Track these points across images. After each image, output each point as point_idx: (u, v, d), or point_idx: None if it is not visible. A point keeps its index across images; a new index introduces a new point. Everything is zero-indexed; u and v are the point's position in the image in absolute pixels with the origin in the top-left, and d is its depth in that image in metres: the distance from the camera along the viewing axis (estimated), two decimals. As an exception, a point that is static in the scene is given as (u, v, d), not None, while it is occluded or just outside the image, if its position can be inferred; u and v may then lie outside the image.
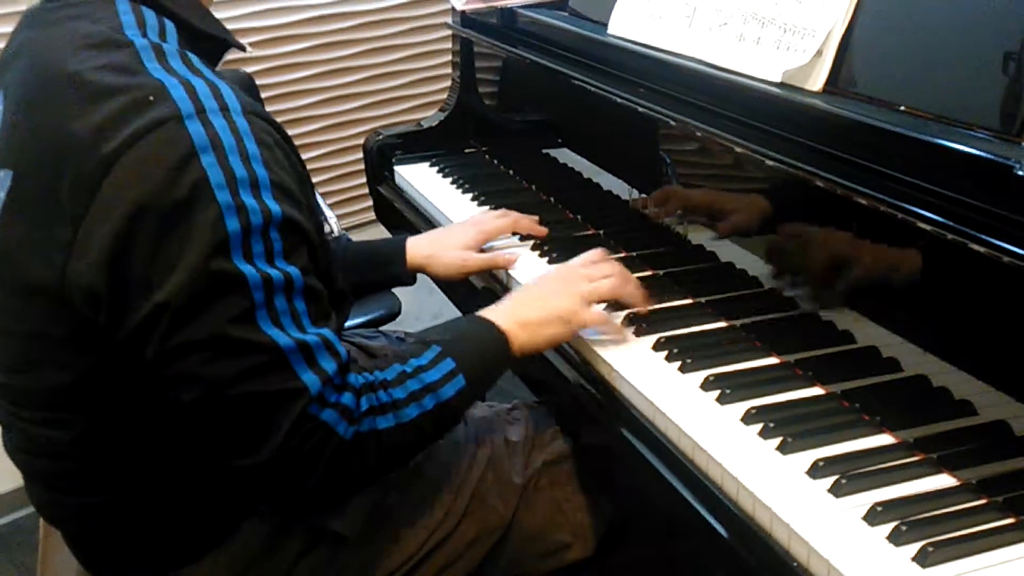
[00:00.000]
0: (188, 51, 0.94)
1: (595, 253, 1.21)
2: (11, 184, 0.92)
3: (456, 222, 1.51)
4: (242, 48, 1.07)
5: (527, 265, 1.38)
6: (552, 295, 1.12)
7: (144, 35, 0.92)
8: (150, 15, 0.95)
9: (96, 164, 0.84)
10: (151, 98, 0.85)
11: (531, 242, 1.44)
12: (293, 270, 0.88)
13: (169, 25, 0.95)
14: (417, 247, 1.38)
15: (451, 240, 1.39)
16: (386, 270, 1.38)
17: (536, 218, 1.45)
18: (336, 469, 0.91)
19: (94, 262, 0.84)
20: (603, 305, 1.19)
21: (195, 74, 0.89)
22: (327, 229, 1.80)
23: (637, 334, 1.17)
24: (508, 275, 1.38)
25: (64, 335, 0.91)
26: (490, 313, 1.08)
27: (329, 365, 0.90)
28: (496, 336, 1.06)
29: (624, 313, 1.20)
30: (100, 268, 0.84)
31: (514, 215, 1.43)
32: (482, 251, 1.40)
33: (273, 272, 0.87)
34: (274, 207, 0.87)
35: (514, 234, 1.44)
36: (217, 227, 0.83)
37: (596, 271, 1.17)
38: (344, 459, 0.91)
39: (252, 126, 0.88)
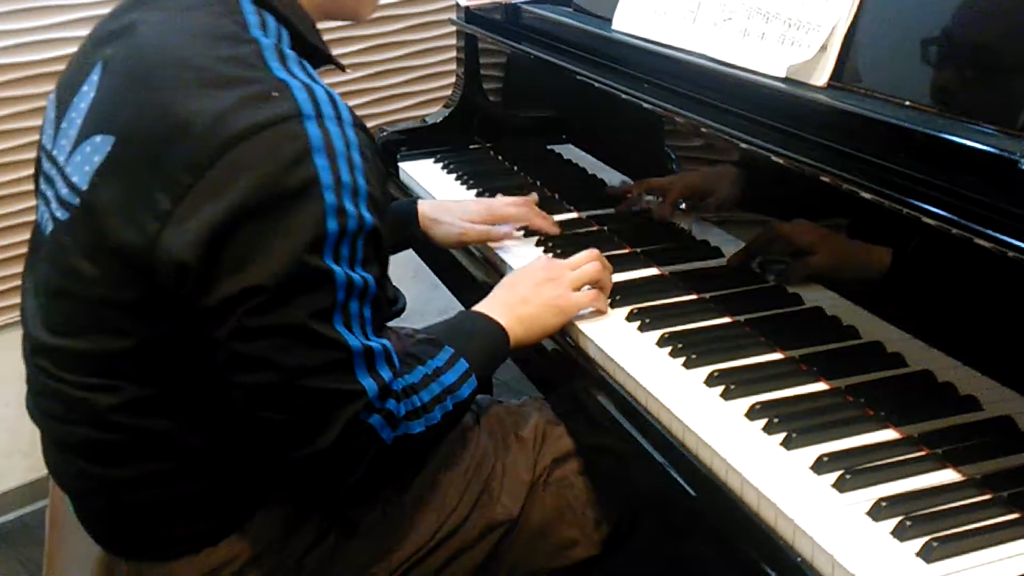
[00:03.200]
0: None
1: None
2: (111, 149, 0.94)
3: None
4: (342, 68, 1.14)
5: (528, 258, 1.38)
6: (540, 287, 1.17)
7: (266, 36, 0.96)
8: (271, 20, 0.99)
9: (213, 145, 0.87)
10: (275, 94, 0.89)
11: (535, 238, 1.44)
12: (370, 278, 0.93)
13: (285, 33, 1.00)
14: (425, 210, 1.44)
15: (459, 210, 1.44)
16: (405, 230, 1.43)
17: (554, 220, 1.46)
18: (375, 470, 0.96)
19: (193, 235, 0.87)
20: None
21: (314, 80, 0.94)
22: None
23: (641, 330, 1.17)
24: (509, 266, 1.38)
25: (133, 300, 0.93)
26: (491, 310, 1.13)
27: (386, 373, 0.94)
28: (500, 334, 1.11)
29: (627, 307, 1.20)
30: (198, 242, 0.87)
31: (530, 210, 1.45)
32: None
33: (355, 276, 0.91)
34: (368, 217, 0.91)
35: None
36: (319, 224, 0.87)
37: (574, 259, 1.22)
38: (383, 461, 0.96)
39: (359, 139, 0.92)
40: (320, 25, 1.09)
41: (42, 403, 1.06)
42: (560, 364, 1.21)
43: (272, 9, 1.00)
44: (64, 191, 0.99)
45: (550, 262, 1.22)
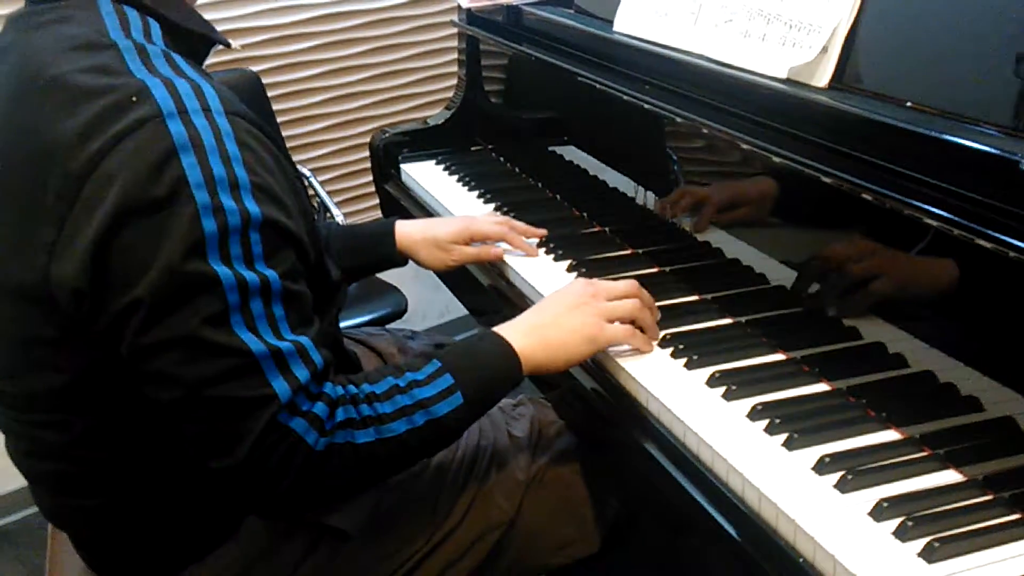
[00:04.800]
0: (172, 50, 0.93)
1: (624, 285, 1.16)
2: None
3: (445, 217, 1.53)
4: (226, 44, 1.06)
5: (533, 263, 1.38)
6: (572, 312, 1.08)
7: (128, 35, 0.92)
8: (133, 15, 0.94)
9: (80, 165, 0.84)
10: (134, 99, 0.85)
11: (543, 248, 1.42)
12: (271, 274, 0.88)
13: (153, 24, 0.95)
14: (407, 231, 1.39)
15: (440, 230, 1.39)
16: (377, 251, 1.39)
17: (539, 232, 1.43)
18: (308, 477, 0.90)
19: (78, 261, 0.84)
20: None
21: (178, 74, 0.89)
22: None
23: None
24: (516, 272, 1.38)
25: (55, 336, 0.91)
26: (507, 330, 1.05)
27: (302, 373, 0.89)
28: (507, 354, 1.03)
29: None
30: (83, 266, 0.84)
31: (508, 224, 1.41)
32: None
33: (249, 275, 0.86)
34: (254, 209, 0.86)
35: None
36: (193, 227, 0.83)
37: (618, 289, 1.13)
38: (315, 468, 0.90)
39: (234, 127, 0.88)
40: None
41: (9, 441, 1.06)
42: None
43: (134, 2, 0.95)
44: None
45: (587, 286, 1.12)
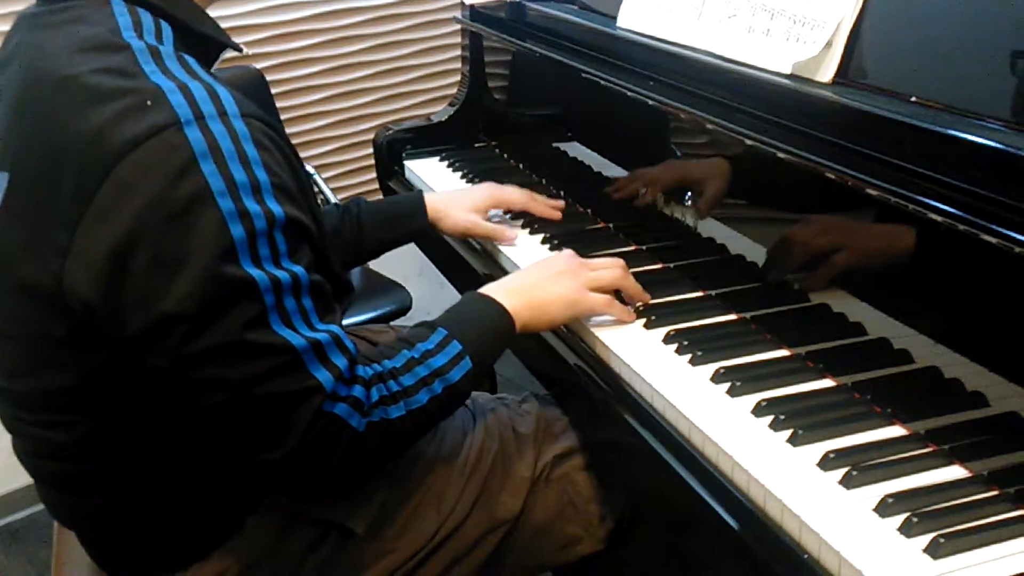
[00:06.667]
0: (184, 53, 0.93)
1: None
2: (7, 187, 0.92)
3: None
4: (238, 49, 1.06)
5: (530, 254, 1.39)
6: (556, 278, 1.15)
7: (140, 37, 0.91)
8: (146, 16, 0.94)
9: (93, 168, 0.83)
10: (148, 102, 0.84)
11: (540, 235, 1.45)
12: (299, 269, 0.89)
13: (165, 26, 0.95)
14: (433, 202, 1.44)
15: (465, 200, 1.44)
16: (411, 223, 1.43)
17: (559, 204, 1.49)
18: (351, 458, 0.93)
19: (92, 267, 0.84)
20: None
21: (192, 77, 0.88)
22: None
23: (647, 327, 1.17)
24: (508, 259, 1.40)
25: (64, 337, 0.91)
26: (495, 292, 1.10)
27: (340, 361, 0.91)
28: (501, 315, 1.08)
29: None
30: (98, 273, 0.84)
31: (530, 194, 1.47)
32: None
33: (281, 274, 0.87)
34: (277, 209, 0.87)
35: (507, 212, 1.51)
36: (222, 234, 0.83)
37: (597, 261, 1.21)
38: (358, 448, 0.93)
39: (250, 129, 0.87)
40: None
41: (19, 443, 1.06)
42: (564, 360, 1.21)
43: (147, 4, 0.94)
44: None
45: (571, 257, 1.19)
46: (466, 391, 1.03)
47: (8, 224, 0.92)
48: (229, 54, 1.06)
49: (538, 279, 1.14)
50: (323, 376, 0.90)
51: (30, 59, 0.93)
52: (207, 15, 1.01)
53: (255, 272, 0.85)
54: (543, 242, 1.43)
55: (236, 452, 0.94)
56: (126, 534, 1.05)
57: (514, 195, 1.47)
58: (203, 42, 0.99)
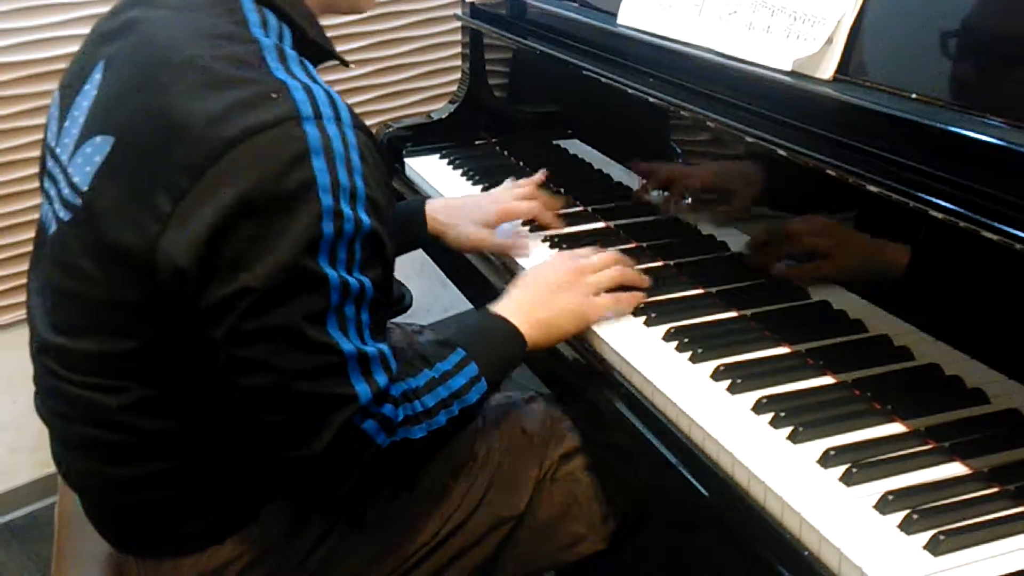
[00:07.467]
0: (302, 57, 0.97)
1: (587, 249, 1.24)
2: (110, 150, 0.94)
3: (475, 194, 1.54)
4: (345, 64, 1.12)
5: (540, 256, 1.38)
6: (559, 291, 1.14)
7: (267, 35, 0.96)
8: (272, 18, 0.98)
9: (210, 147, 0.86)
10: (274, 95, 0.88)
11: (543, 233, 1.43)
12: (367, 281, 0.92)
13: (286, 30, 0.99)
14: (436, 212, 1.40)
15: (471, 214, 1.40)
16: (408, 231, 1.39)
17: (559, 204, 1.45)
18: (370, 475, 0.95)
19: (191, 237, 0.87)
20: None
21: (313, 81, 0.93)
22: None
23: (647, 324, 1.17)
24: (518, 265, 1.38)
25: (137, 302, 0.93)
26: (506, 311, 1.10)
27: (381, 378, 0.93)
28: (515, 337, 1.09)
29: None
30: (196, 244, 0.86)
31: (538, 201, 1.42)
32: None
33: (351, 280, 0.90)
34: (365, 220, 0.90)
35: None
36: (314, 226, 0.86)
37: (598, 260, 1.20)
38: (379, 466, 0.95)
39: (358, 140, 0.91)
40: (324, 21, 1.08)
41: (49, 402, 1.06)
42: (567, 359, 1.21)
43: (273, 6, 0.99)
44: (67, 191, 0.99)
45: (568, 262, 1.19)
46: (478, 411, 1.05)
47: (106, 187, 0.94)
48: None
49: (541, 296, 1.14)
50: (362, 388, 0.91)
51: (145, 36, 0.97)
52: (319, 24, 1.05)
53: (329, 270, 0.88)
54: (544, 240, 1.42)
55: (263, 444, 0.95)
56: (142, 509, 1.06)
57: (522, 207, 1.42)
58: (313, 49, 1.03)
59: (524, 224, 1.44)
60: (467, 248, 1.40)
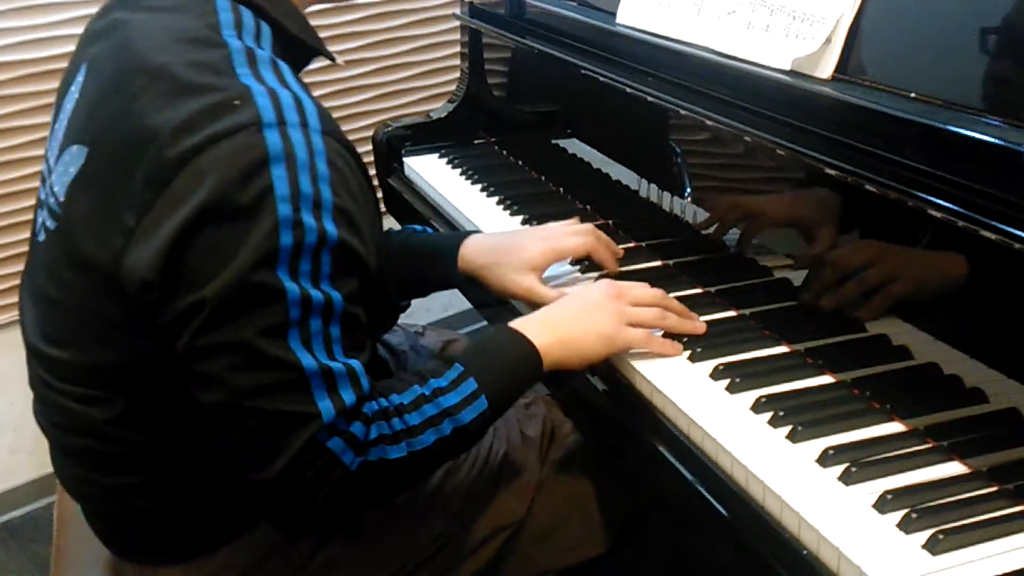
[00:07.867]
0: (280, 58, 0.94)
1: (639, 286, 1.12)
2: (84, 162, 0.93)
3: (522, 229, 1.38)
4: (331, 58, 1.07)
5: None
6: (592, 311, 1.06)
7: (240, 37, 0.93)
8: (248, 16, 0.95)
9: (172, 159, 0.85)
10: (236, 102, 0.85)
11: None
12: (336, 295, 0.88)
13: (265, 28, 0.96)
14: (475, 252, 1.22)
15: (517, 255, 1.20)
16: (434, 269, 1.24)
17: (618, 250, 1.27)
18: (340, 497, 0.90)
19: (154, 253, 0.85)
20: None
21: (282, 85, 0.89)
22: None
23: (647, 324, 1.17)
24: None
25: (112, 315, 0.92)
26: (525, 326, 1.03)
27: (348, 396, 0.88)
28: (528, 352, 1.01)
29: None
30: (159, 256, 0.85)
31: (594, 236, 1.24)
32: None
33: (315, 293, 0.86)
34: (331, 230, 0.86)
35: None
36: (271, 238, 0.84)
37: (642, 292, 1.11)
38: (349, 488, 0.90)
39: (327, 147, 0.88)
40: (323, 20, 1.07)
41: (43, 410, 1.06)
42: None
43: (251, 4, 0.96)
44: (51, 199, 0.98)
45: (610, 287, 1.09)
46: (478, 433, 0.97)
47: (78, 198, 0.93)
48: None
49: (573, 313, 1.06)
50: (324, 406, 0.87)
51: (123, 40, 0.95)
52: (306, 21, 1.02)
53: (288, 284, 0.85)
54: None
55: (227, 463, 0.92)
56: (139, 517, 1.05)
57: (574, 244, 1.22)
58: (298, 47, 1.00)
59: (573, 263, 1.29)
60: (509, 296, 1.22)
